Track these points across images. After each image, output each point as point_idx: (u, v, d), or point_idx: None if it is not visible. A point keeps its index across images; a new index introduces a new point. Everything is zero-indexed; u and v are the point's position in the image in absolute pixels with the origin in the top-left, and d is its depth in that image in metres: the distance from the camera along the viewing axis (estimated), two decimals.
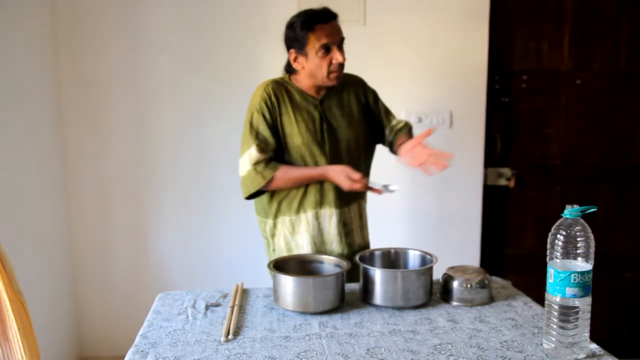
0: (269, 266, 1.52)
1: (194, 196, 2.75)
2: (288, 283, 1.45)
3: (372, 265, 1.61)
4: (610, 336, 2.91)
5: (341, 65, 1.76)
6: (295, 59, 1.78)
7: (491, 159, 2.79)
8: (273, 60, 2.66)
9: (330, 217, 1.84)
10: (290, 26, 1.77)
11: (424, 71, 2.68)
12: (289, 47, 1.80)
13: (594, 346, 1.24)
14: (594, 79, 2.76)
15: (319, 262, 1.62)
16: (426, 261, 1.60)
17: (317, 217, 1.84)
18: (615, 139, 2.81)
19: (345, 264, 1.53)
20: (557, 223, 1.19)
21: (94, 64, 2.63)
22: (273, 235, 1.90)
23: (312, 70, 1.76)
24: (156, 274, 2.78)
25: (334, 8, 1.78)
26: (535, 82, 2.76)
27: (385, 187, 1.72)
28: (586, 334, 1.19)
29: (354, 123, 1.88)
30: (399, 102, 2.60)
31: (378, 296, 1.50)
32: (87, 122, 2.67)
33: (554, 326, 1.19)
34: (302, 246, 1.86)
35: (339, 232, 1.85)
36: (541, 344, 1.26)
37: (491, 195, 2.82)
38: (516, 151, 2.81)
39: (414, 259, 1.67)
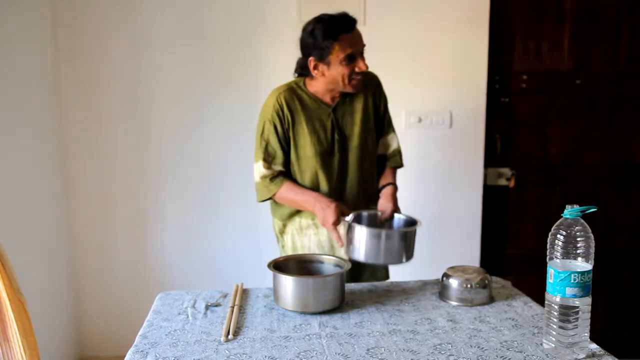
0: (269, 266, 1.52)
1: (194, 196, 2.75)
2: (288, 283, 1.45)
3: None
4: (610, 336, 2.91)
5: (362, 73, 1.75)
6: (315, 67, 1.74)
7: (491, 159, 2.79)
8: (273, 60, 2.67)
9: (339, 226, 1.85)
10: (311, 33, 1.71)
11: (424, 71, 2.68)
12: (307, 54, 1.75)
13: (594, 346, 1.24)
14: (594, 79, 2.76)
15: (319, 262, 1.62)
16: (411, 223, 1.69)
17: None
18: (615, 139, 2.81)
19: (345, 264, 1.53)
20: (557, 223, 1.19)
21: (94, 64, 2.63)
22: (282, 233, 1.95)
23: (333, 77, 1.74)
24: (156, 274, 2.78)
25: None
26: (535, 82, 2.75)
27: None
28: (586, 334, 1.19)
29: (368, 128, 1.87)
30: (399, 102, 2.60)
31: (362, 253, 1.59)
32: (87, 121, 2.67)
33: (554, 326, 1.19)
34: (309, 247, 1.88)
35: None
36: (541, 344, 1.26)
37: (491, 195, 2.82)
38: (516, 151, 2.81)
39: (398, 223, 1.76)
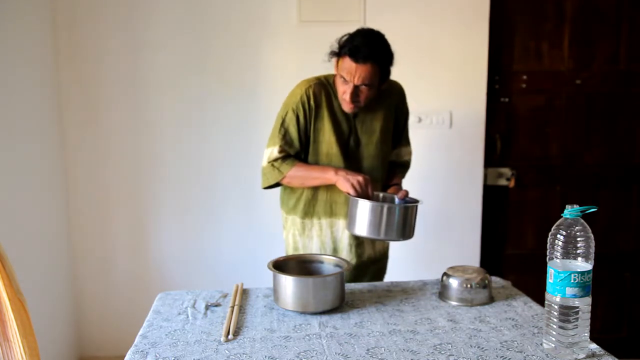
0: (269, 266, 1.52)
1: (194, 196, 2.75)
2: (288, 283, 1.45)
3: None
4: (610, 336, 2.91)
5: (355, 101, 1.71)
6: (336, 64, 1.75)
7: (491, 159, 2.79)
8: (273, 60, 2.67)
9: (344, 229, 1.85)
10: (339, 40, 1.71)
11: (424, 71, 2.68)
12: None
13: (594, 346, 1.24)
14: (594, 79, 2.76)
15: (319, 262, 1.62)
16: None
17: (331, 226, 1.85)
18: (615, 139, 2.81)
19: (345, 264, 1.53)
20: (557, 223, 1.19)
21: (94, 64, 2.63)
22: (284, 228, 1.94)
23: (336, 82, 1.75)
24: (156, 274, 2.78)
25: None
26: (535, 82, 2.75)
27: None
28: (586, 334, 1.19)
29: (386, 138, 1.86)
30: None
31: (364, 227, 1.61)
32: (87, 122, 2.67)
33: (554, 326, 1.19)
34: (311, 248, 1.87)
35: (350, 243, 1.87)
36: (541, 344, 1.26)
37: (491, 195, 2.82)
38: (516, 151, 2.81)
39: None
